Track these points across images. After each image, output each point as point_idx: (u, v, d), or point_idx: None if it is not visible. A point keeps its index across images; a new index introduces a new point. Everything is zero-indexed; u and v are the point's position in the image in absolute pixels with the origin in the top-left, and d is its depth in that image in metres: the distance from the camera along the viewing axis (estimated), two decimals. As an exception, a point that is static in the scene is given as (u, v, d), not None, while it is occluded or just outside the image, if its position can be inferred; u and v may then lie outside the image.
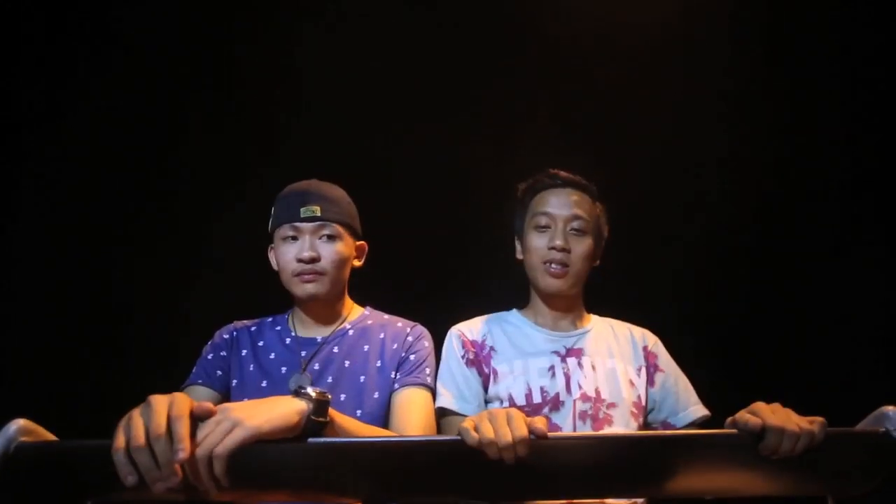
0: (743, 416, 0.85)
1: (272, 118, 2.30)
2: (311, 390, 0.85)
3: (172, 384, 1.30)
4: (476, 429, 0.80)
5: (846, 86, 2.40)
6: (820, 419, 0.84)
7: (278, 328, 1.39)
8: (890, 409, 0.90)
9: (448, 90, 2.27)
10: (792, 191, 2.39)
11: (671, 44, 2.36)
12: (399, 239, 1.69)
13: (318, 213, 1.29)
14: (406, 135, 2.24)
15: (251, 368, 1.31)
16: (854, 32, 2.36)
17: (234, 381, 1.31)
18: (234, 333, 1.38)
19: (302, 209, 1.29)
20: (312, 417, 0.81)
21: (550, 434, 0.81)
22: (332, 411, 0.87)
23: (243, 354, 1.34)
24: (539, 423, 0.80)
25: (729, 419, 0.89)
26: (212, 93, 2.28)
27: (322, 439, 0.85)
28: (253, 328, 1.40)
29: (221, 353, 1.35)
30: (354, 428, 0.93)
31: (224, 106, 2.29)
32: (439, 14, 2.29)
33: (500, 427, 0.78)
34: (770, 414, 0.83)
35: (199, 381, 1.31)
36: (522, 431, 0.78)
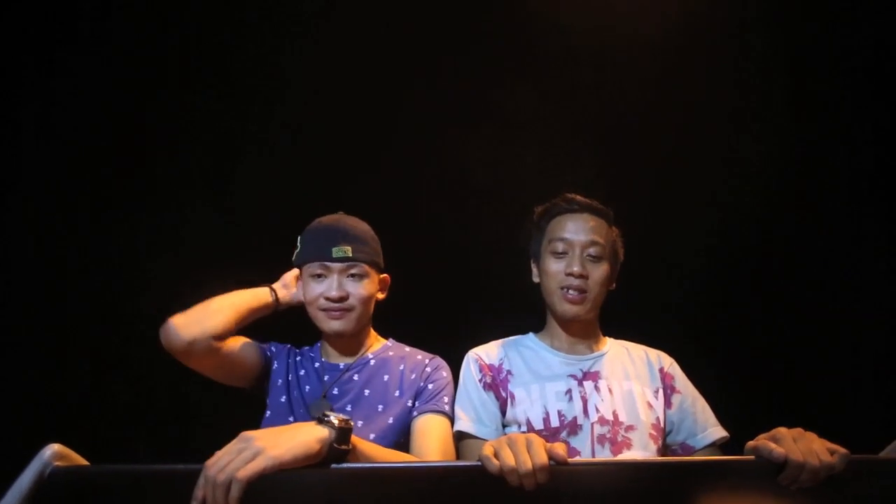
0: (766, 444, 0.85)
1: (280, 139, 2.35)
2: (333, 417, 0.87)
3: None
4: (496, 455, 0.81)
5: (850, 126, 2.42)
6: (843, 451, 0.84)
7: (313, 354, 1.44)
8: None
9: (461, 114, 2.31)
10: (804, 209, 2.39)
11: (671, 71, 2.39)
12: (415, 264, 1.70)
13: (350, 254, 1.32)
14: (420, 156, 2.28)
15: (282, 399, 1.34)
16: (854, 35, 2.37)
17: (268, 412, 1.34)
18: (290, 355, 1.44)
19: (333, 249, 1.31)
20: (335, 445, 0.83)
21: (570, 460, 0.82)
22: (354, 438, 0.89)
23: (279, 384, 1.38)
24: (559, 448, 0.82)
25: (750, 444, 0.89)
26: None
27: (344, 465, 0.87)
28: (298, 357, 1.44)
29: (267, 355, 1.42)
30: (376, 453, 0.95)
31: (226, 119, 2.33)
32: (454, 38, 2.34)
33: (521, 454, 0.79)
34: (792, 443, 0.84)
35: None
36: (542, 458, 0.79)
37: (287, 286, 1.45)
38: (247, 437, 0.82)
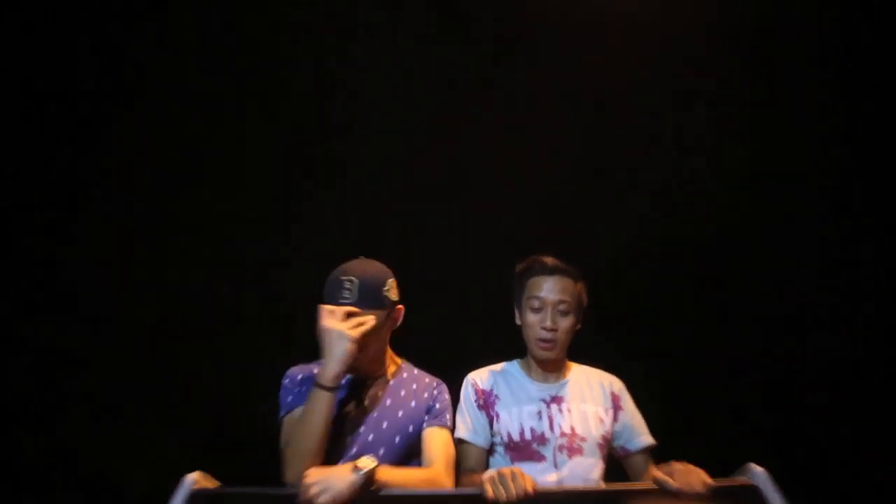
0: (664, 479, 1.34)
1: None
2: (367, 460, 1.33)
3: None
4: (491, 484, 1.27)
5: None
6: (706, 481, 1.32)
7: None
8: (755, 466, 1.39)
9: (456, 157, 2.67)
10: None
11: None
12: (424, 297, 2.07)
13: (351, 300, 1.54)
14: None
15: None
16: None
17: None
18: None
19: (339, 296, 1.55)
20: (365, 486, 1.29)
21: (540, 488, 1.30)
22: (380, 470, 1.35)
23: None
24: (530, 484, 1.28)
25: (653, 475, 1.37)
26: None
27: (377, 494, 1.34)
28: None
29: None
30: (399, 478, 1.41)
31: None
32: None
33: (507, 486, 1.26)
34: (681, 477, 1.32)
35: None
36: (523, 488, 1.25)
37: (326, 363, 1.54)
38: (317, 479, 1.29)
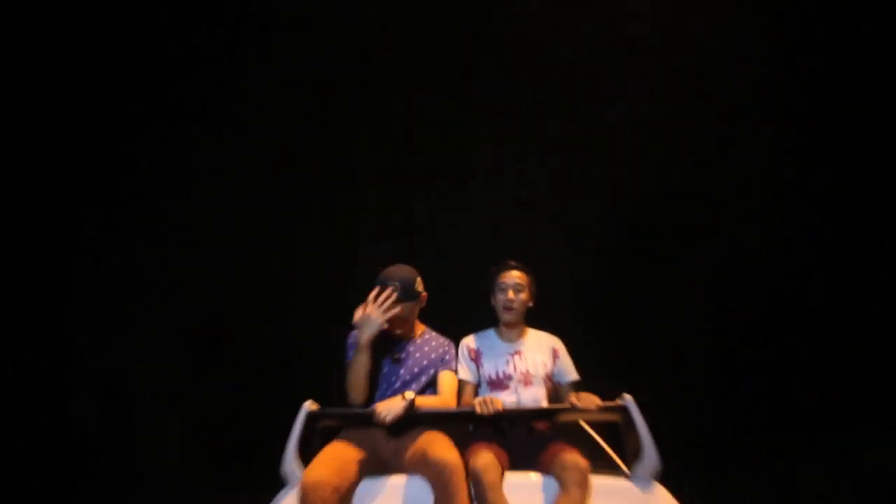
0: (573, 399, 2.42)
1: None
2: (409, 393, 2.35)
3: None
4: (479, 405, 2.32)
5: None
6: (598, 402, 2.39)
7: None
8: (626, 394, 2.44)
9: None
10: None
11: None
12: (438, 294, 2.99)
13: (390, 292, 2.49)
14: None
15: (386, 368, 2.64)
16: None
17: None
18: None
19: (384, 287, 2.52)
20: (410, 408, 2.29)
21: (506, 407, 2.37)
22: (417, 399, 2.36)
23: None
24: (499, 403, 2.34)
25: (570, 399, 2.45)
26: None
27: (417, 412, 2.37)
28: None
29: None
30: (428, 403, 2.45)
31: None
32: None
33: (488, 406, 2.30)
34: (580, 399, 2.40)
35: None
36: (496, 408, 2.30)
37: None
38: (383, 407, 2.28)
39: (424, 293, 2.68)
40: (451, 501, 2.04)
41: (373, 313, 2.44)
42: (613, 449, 2.82)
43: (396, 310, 2.50)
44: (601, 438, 2.90)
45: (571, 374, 2.83)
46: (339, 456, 2.28)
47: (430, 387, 2.63)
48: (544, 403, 2.69)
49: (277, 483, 2.37)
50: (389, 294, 2.48)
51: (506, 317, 2.79)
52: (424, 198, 3.56)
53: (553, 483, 2.21)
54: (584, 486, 2.15)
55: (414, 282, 2.60)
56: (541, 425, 2.61)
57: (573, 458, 2.22)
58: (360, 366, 2.47)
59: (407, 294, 2.54)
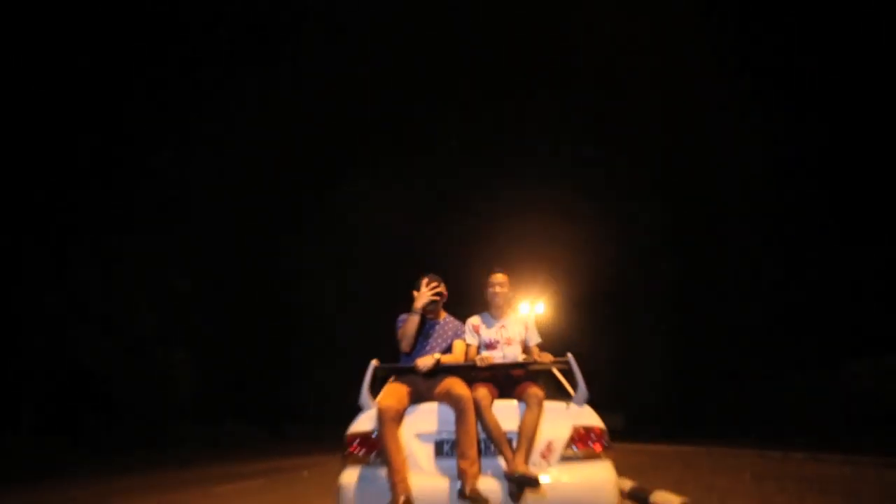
0: (536, 356, 4.08)
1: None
2: (437, 354, 4.03)
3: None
4: (478, 360, 3.91)
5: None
6: (553, 358, 4.02)
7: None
8: (569, 354, 4.02)
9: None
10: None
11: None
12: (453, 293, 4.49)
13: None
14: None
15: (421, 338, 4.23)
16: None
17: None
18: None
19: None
20: (434, 364, 3.93)
21: (496, 361, 3.99)
22: (441, 357, 3.98)
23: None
24: (490, 359, 3.96)
25: (534, 355, 4.08)
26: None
27: (441, 365, 3.97)
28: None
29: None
30: (447, 359, 4.10)
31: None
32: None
33: (484, 360, 3.93)
34: (541, 356, 4.05)
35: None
36: (489, 361, 3.96)
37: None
38: (421, 361, 3.89)
39: (446, 293, 4.27)
40: (464, 418, 3.50)
41: (425, 292, 4.09)
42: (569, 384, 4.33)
43: (438, 295, 4.15)
44: (564, 379, 4.40)
45: (536, 338, 4.42)
46: (396, 392, 3.79)
47: (448, 350, 4.25)
48: (519, 359, 4.17)
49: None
50: (437, 283, 4.14)
51: (495, 300, 4.36)
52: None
53: (523, 406, 3.67)
54: (540, 406, 3.63)
55: (441, 283, 4.27)
56: (516, 372, 4.09)
57: (535, 390, 3.72)
58: (411, 324, 4.04)
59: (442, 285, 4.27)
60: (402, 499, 3.21)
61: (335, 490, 3.53)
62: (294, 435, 30.38)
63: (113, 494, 8.74)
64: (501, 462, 3.49)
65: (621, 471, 5.76)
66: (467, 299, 4.97)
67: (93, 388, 19.66)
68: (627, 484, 6.60)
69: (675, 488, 5.57)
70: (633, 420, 32.96)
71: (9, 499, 8.55)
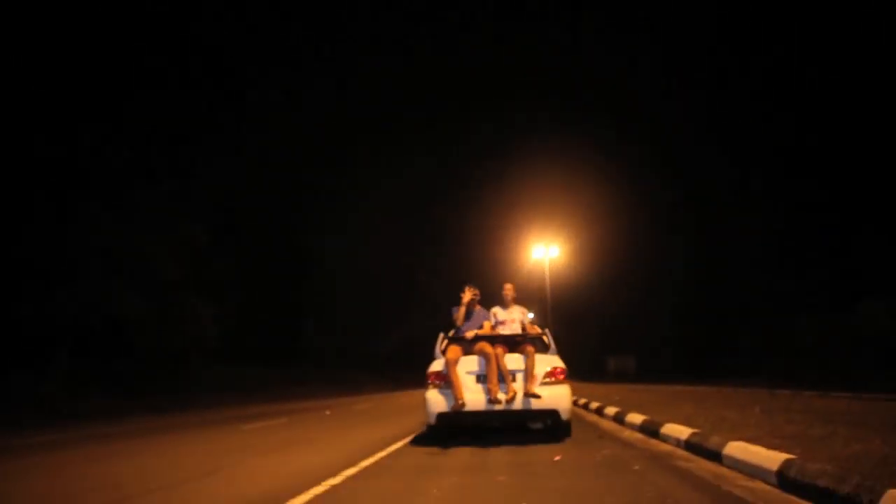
0: (528, 327, 6.77)
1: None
2: (475, 329, 6.58)
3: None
4: (494, 331, 6.49)
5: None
6: (538, 330, 6.83)
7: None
8: (546, 329, 6.91)
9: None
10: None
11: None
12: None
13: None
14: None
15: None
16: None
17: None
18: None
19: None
20: (475, 335, 6.48)
21: (505, 333, 6.60)
22: (478, 332, 6.56)
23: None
24: (504, 331, 6.62)
25: (526, 328, 6.68)
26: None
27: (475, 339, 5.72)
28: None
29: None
30: (481, 332, 6.60)
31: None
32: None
33: (499, 331, 6.46)
34: (531, 329, 6.78)
35: None
36: (503, 332, 6.62)
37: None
38: (469, 333, 6.46)
39: (479, 295, 6.78)
40: (489, 363, 5.89)
41: (469, 292, 6.62)
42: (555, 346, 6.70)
43: (474, 296, 6.70)
44: (551, 340, 6.87)
45: (528, 319, 6.90)
46: (454, 350, 6.13)
47: (480, 327, 6.68)
48: (519, 330, 6.66)
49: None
50: (475, 290, 6.67)
51: (505, 300, 6.81)
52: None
53: (522, 357, 6.05)
54: (532, 357, 6.00)
55: (475, 289, 6.73)
56: (518, 338, 6.48)
57: (529, 349, 6.08)
58: (461, 312, 6.60)
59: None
60: (460, 402, 5.73)
61: (423, 401, 6.07)
62: (312, 378, 31.40)
63: (147, 433, 9.21)
64: (506, 385, 5.93)
65: (632, 407, 8.18)
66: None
67: (122, 335, 20.35)
68: (639, 418, 6.81)
69: (686, 422, 5.74)
70: (646, 364, 33.46)
71: (51, 436, 9.05)
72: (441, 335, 6.59)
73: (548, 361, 6.07)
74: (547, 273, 22.87)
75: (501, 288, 6.81)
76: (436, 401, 5.84)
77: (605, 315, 37.76)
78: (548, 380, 5.90)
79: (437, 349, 6.41)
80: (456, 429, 6.20)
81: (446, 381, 5.85)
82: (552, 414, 5.80)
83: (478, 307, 6.69)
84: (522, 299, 6.87)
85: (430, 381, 6.01)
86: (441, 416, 5.81)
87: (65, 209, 18.13)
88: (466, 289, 6.56)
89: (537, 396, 5.71)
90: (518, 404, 5.70)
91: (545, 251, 23.35)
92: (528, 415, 5.87)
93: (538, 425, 6.57)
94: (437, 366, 6.05)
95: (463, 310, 6.53)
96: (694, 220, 30.76)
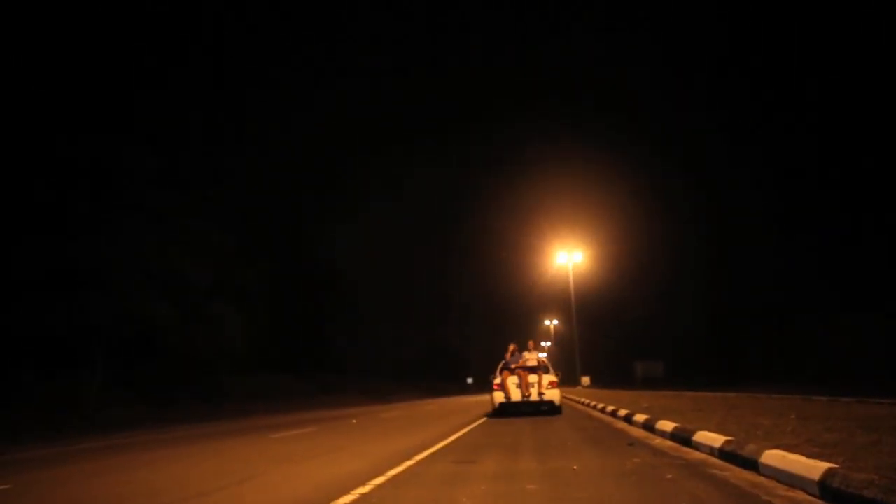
0: (540, 358, 10.80)
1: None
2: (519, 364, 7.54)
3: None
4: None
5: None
6: (545, 361, 11.22)
7: None
8: (547, 362, 9.79)
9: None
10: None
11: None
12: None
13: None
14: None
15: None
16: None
17: None
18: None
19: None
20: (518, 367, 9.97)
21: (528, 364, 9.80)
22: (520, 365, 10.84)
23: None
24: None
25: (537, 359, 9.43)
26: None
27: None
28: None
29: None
30: (519, 364, 11.32)
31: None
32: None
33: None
34: (540, 361, 11.21)
35: None
36: (529, 365, 10.72)
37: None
38: (515, 365, 10.16)
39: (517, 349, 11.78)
40: (522, 379, 11.01)
41: (511, 347, 11.52)
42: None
43: (515, 349, 11.65)
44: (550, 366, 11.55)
45: (542, 357, 11.60)
46: (506, 372, 11.27)
47: (517, 362, 11.39)
48: (536, 363, 11.20)
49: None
50: (514, 345, 11.67)
51: (528, 347, 11.51)
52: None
53: (537, 376, 11.14)
54: (541, 376, 11.09)
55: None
56: (535, 367, 11.15)
57: (541, 372, 11.14)
58: (508, 355, 11.45)
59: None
60: (512, 396, 11.00)
61: (489, 399, 11.66)
62: (338, 387, 31.55)
63: (179, 441, 9.38)
64: (528, 391, 10.99)
65: (662, 414, 8.38)
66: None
67: (153, 343, 20.77)
68: (669, 425, 6.68)
69: (719, 429, 5.60)
70: (673, 369, 32.80)
71: (87, 444, 9.29)
72: (500, 364, 11.52)
73: (549, 378, 11.24)
74: (571, 279, 22.67)
75: (526, 343, 11.62)
76: (498, 397, 11.20)
77: (631, 320, 37.33)
78: (549, 387, 11.15)
79: (497, 372, 11.49)
80: (507, 410, 11.22)
81: (501, 387, 11.18)
82: (551, 403, 11.17)
83: (515, 351, 11.49)
84: (547, 304, 8.27)
85: (494, 387, 11.37)
86: (501, 404, 11.15)
87: (98, 218, 18.58)
88: (510, 346, 11.56)
89: (544, 394, 11.00)
90: (535, 398, 11.05)
91: (569, 257, 23.18)
92: (540, 404, 11.13)
93: (545, 409, 11.39)
94: (497, 380, 11.37)
95: (508, 354, 11.50)
96: (717, 225, 30.18)
